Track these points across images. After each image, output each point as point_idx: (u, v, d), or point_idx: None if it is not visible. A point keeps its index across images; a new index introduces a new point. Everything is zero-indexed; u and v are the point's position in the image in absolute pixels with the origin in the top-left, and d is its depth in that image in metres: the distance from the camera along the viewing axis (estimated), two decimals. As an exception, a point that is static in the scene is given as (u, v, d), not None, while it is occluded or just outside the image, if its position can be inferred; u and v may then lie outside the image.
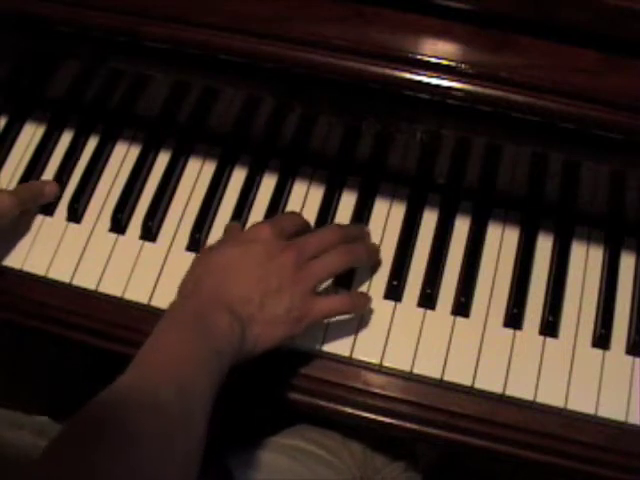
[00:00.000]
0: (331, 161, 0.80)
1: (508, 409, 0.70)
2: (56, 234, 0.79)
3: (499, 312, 0.73)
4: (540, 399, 0.69)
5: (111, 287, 0.76)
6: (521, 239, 0.76)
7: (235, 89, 0.73)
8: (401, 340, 0.72)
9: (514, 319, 0.72)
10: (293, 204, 0.79)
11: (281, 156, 0.81)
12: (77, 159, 0.83)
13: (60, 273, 0.77)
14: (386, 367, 0.71)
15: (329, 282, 0.73)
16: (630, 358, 0.70)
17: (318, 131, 0.76)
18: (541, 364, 0.70)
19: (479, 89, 0.63)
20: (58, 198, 0.81)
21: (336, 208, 0.79)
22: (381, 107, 0.69)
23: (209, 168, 0.82)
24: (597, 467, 0.68)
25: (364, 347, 0.72)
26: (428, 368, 0.71)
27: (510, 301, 0.73)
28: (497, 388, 0.70)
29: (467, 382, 0.70)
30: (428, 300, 0.73)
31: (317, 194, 0.80)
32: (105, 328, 0.75)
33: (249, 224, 0.78)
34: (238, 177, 0.81)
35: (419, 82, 0.64)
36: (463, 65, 0.64)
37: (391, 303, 0.74)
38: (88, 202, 0.81)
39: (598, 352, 0.71)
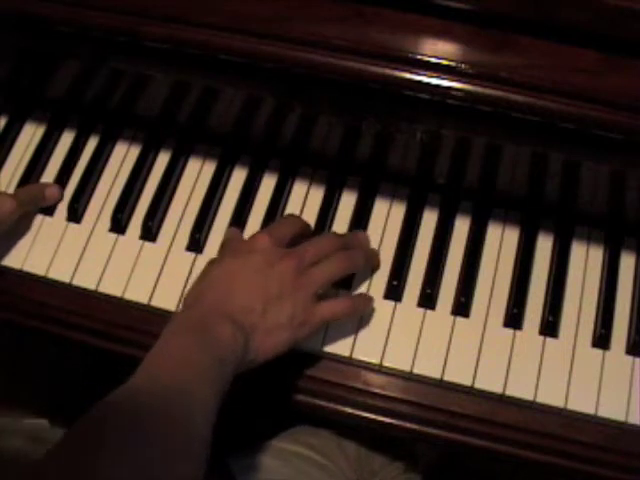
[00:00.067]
0: (331, 161, 0.80)
1: (508, 409, 0.70)
2: (56, 234, 0.79)
3: (499, 312, 0.73)
4: (540, 399, 0.69)
5: (111, 287, 0.76)
6: (521, 239, 0.76)
7: (235, 89, 0.73)
8: (401, 340, 0.72)
9: (514, 319, 0.72)
10: (293, 204, 0.79)
11: (281, 156, 0.81)
12: (77, 159, 0.83)
13: (60, 273, 0.77)
14: (386, 367, 0.71)
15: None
16: (630, 358, 0.70)
17: (318, 131, 0.76)
18: (541, 364, 0.70)
19: (479, 89, 0.63)
20: (58, 198, 0.81)
21: (336, 208, 0.79)
22: (381, 107, 0.69)
23: (209, 168, 0.82)
24: (597, 467, 0.68)
25: (364, 347, 0.72)
26: (428, 368, 0.71)
27: (510, 301, 0.73)
28: (497, 388, 0.70)
29: (467, 382, 0.70)
30: (428, 300, 0.73)
31: (317, 194, 0.80)
32: (105, 328, 0.75)
33: (249, 224, 0.79)
34: (238, 177, 0.81)
35: (419, 82, 0.64)
36: (463, 65, 0.64)
37: (391, 303, 0.74)
38: (88, 202, 0.81)
39: (598, 352, 0.71)
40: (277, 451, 0.78)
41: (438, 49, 0.64)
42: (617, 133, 0.63)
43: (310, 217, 0.78)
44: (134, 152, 0.83)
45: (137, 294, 0.75)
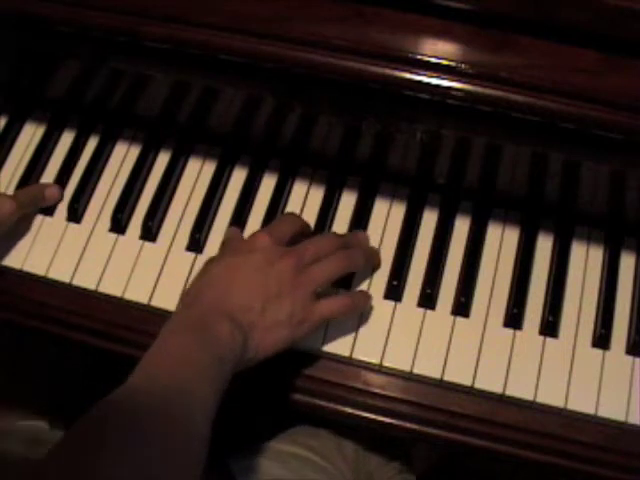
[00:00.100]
0: (331, 161, 0.80)
1: (508, 409, 0.70)
2: (56, 234, 0.79)
3: (499, 312, 0.73)
4: (540, 399, 0.69)
5: (111, 287, 0.76)
6: (521, 239, 0.76)
7: (235, 89, 0.73)
8: (401, 340, 0.72)
9: (514, 319, 0.72)
10: (293, 204, 0.79)
11: (281, 156, 0.81)
12: (77, 159, 0.83)
13: (60, 273, 0.77)
14: (386, 367, 0.71)
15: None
16: (630, 358, 0.70)
17: (318, 131, 0.76)
18: (541, 364, 0.70)
19: (479, 89, 0.63)
20: (58, 198, 0.81)
21: (336, 208, 0.79)
22: (381, 107, 0.69)
23: (209, 168, 0.82)
24: (597, 467, 0.68)
25: (364, 347, 0.72)
26: (428, 368, 0.71)
27: (510, 301, 0.73)
28: (497, 388, 0.70)
29: (467, 382, 0.70)
30: (428, 300, 0.73)
31: (317, 194, 0.80)
32: (105, 328, 0.75)
33: (249, 224, 0.79)
34: (238, 177, 0.81)
35: (419, 82, 0.64)
36: (463, 65, 0.64)
37: (391, 303, 0.74)
38: (88, 202, 0.81)
39: (598, 352, 0.71)
40: (276, 452, 0.78)
41: (438, 49, 0.64)
42: (617, 133, 0.63)
43: (310, 217, 0.78)
44: (134, 152, 0.83)
45: (137, 294, 0.75)
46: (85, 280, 0.76)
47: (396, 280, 0.74)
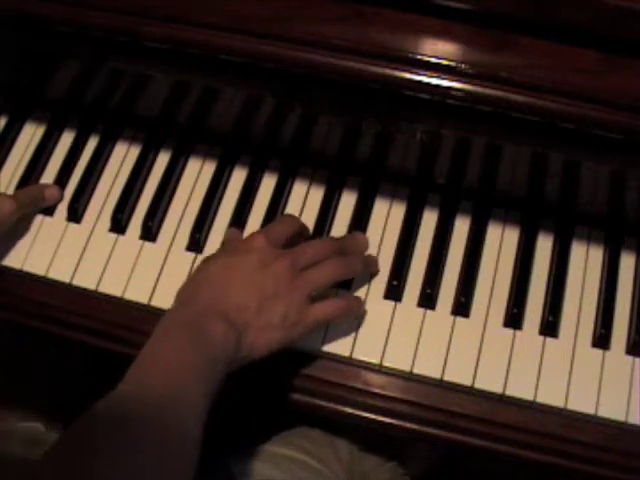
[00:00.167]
0: (331, 161, 0.80)
1: (508, 409, 0.70)
2: (56, 234, 0.79)
3: (499, 312, 0.73)
4: (540, 399, 0.69)
5: (111, 287, 0.76)
6: (521, 239, 0.76)
7: (235, 89, 0.73)
8: (401, 340, 0.72)
9: (514, 319, 0.72)
10: (293, 204, 0.79)
11: (281, 156, 0.81)
12: (77, 159, 0.83)
13: (60, 273, 0.77)
14: (386, 367, 0.71)
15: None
16: (630, 358, 0.70)
17: (318, 131, 0.76)
18: (541, 364, 0.70)
19: (479, 89, 0.63)
20: (58, 198, 0.81)
21: (336, 208, 0.79)
22: (381, 107, 0.69)
23: (209, 168, 0.82)
24: (597, 467, 0.68)
25: (364, 347, 0.72)
26: (428, 368, 0.71)
27: (510, 301, 0.73)
28: (497, 388, 0.70)
29: (467, 382, 0.70)
30: (428, 300, 0.73)
31: (317, 194, 0.80)
32: (105, 328, 0.75)
33: (249, 224, 0.79)
34: (238, 177, 0.81)
35: (419, 82, 0.64)
36: (463, 65, 0.64)
37: (391, 303, 0.74)
38: (88, 202, 0.81)
39: (598, 352, 0.71)
40: (271, 455, 0.78)
41: (438, 49, 0.64)
42: (617, 133, 0.63)
43: (310, 217, 0.78)
44: (134, 152, 0.83)
45: (137, 294, 0.75)
46: (85, 280, 0.76)
47: (396, 280, 0.74)
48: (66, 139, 0.85)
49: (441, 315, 0.73)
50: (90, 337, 0.75)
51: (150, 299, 0.75)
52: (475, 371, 0.70)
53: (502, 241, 0.76)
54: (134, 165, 0.82)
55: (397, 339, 0.72)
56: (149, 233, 0.78)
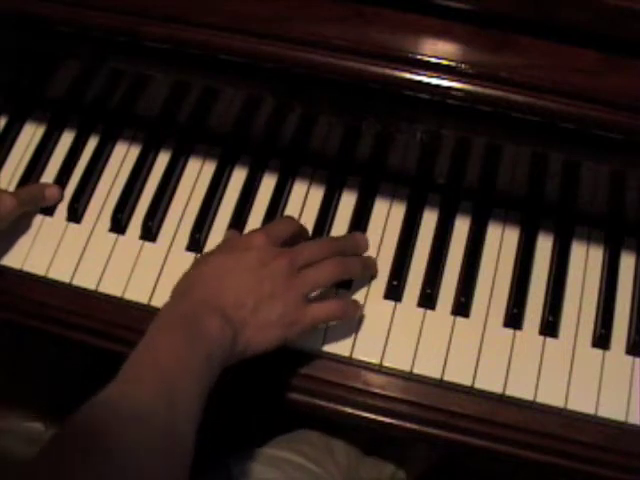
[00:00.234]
0: (331, 161, 0.80)
1: (508, 409, 0.70)
2: (56, 234, 0.79)
3: (499, 312, 0.73)
4: (540, 399, 0.69)
5: (111, 287, 0.76)
6: (521, 239, 0.76)
7: (235, 89, 0.73)
8: (401, 340, 0.72)
9: (514, 319, 0.72)
10: (293, 204, 0.79)
11: (281, 156, 0.81)
12: (77, 159, 0.83)
13: (60, 273, 0.77)
14: (386, 367, 0.71)
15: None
16: (630, 358, 0.70)
17: (318, 131, 0.76)
18: (541, 364, 0.70)
19: (479, 89, 0.63)
20: (58, 198, 0.81)
21: (336, 208, 0.79)
22: (381, 107, 0.69)
23: (209, 168, 0.82)
24: (597, 467, 0.68)
25: (364, 347, 0.72)
26: (428, 368, 0.71)
27: (510, 301, 0.73)
28: (497, 388, 0.70)
29: (467, 382, 0.70)
30: (428, 300, 0.73)
31: (317, 194, 0.80)
32: (105, 328, 0.75)
33: (249, 224, 0.79)
34: (238, 177, 0.81)
35: (419, 82, 0.64)
36: (463, 65, 0.64)
37: (391, 303, 0.74)
38: (88, 202, 0.81)
39: (598, 352, 0.71)
40: (269, 457, 0.78)
41: (438, 49, 0.64)
42: (617, 133, 0.63)
43: (310, 217, 0.78)
44: (134, 152, 0.83)
45: (137, 294, 0.75)
46: (85, 280, 0.76)
47: (396, 280, 0.74)
48: (66, 139, 0.85)
49: (441, 315, 0.73)
50: (90, 337, 0.75)
51: (150, 299, 0.75)
52: (475, 371, 0.70)
53: (502, 241, 0.76)
54: (134, 165, 0.82)
55: (397, 339, 0.72)
56: (149, 233, 0.78)
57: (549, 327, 0.72)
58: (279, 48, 0.66)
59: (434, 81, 0.64)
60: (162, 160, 0.82)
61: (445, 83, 0.64)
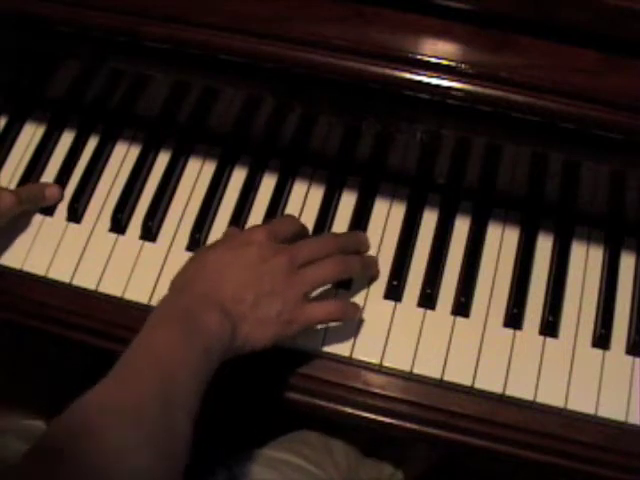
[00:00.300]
0: (331, 161, 0.80)
1: (508, 409, 0.70)
2: (56, 234, 0.79)
3: (499, 312, 0.73)
4: (540, 399, 0.69)
5: (111, 287, 0.76)
6: (521, 239, 0.76)
7: (235, 89, 0.73)
8: (401, 340, 0.72)
9: (514, 319, 0.72)
10: (293, 204, 0.79)
11: (281, 156, 0.81)
12: (77, 159, 0.83)
13: (60, 273, 0.77)
14: (386, 367, 0.71)
15: (329, 282, 0.73)
16: (630, 358, 0.70)
17: (318, 131, 0.76)
18: (541, 364, 0.70)
19: (479, 89, 0.63)
20: (58, 198, 0.81)
21: (336, 208, 0.79)
22: (381, 107, 0.69)
23: (209, 168, 0.82)
24: (597, 467, 0.68)
25: (364, 347, 0.72)
26: (428, 368, 0.71)
27: (510, 301, 0.73)
28: (497, 388, 0.70)
29: (467, 382, 0.70)
30: (428, 300, 0.73)
31: (317, 194, 0.80)
32: (105, 328, 0.75)
33: (249, 224, 0.79)
34: (238, 177, 0.81)
35: (419, 82, 0.64)
36: (463, 65, 0.64)
37: (391, 303, 0.74)
38: (88, 202, 0.81)
39: (598, 352, 0.71)
40: (268, 459, 0.78)
41: (438, 49, 0.64)
42: (617, 133, 0.63)
43: (310, 217, 0.78)
44: (134, 152, 0.83)
45: (137, 294, 0.75)
46: (85, 280, 0.76)
47: (396, 280, 0.74)
48: (66, 139, 0.85)
49: (441, 315, 0.73)
50: (90, 337, 0.75)
51: (150, 299, 0.75)
52: (475, 371, 0.70)
53: (502, 241, 0.76)
54: (134, 165, 0.82)
55: (397, 339, 0.72)
56: (149, 233, 0.78)
57: (549, 327, 0.72)
58: (279, 48, 0.66)
59: (434, 81, 0.64)
60: (162, 160, 0.82)
61: (445, 83, 0.64)
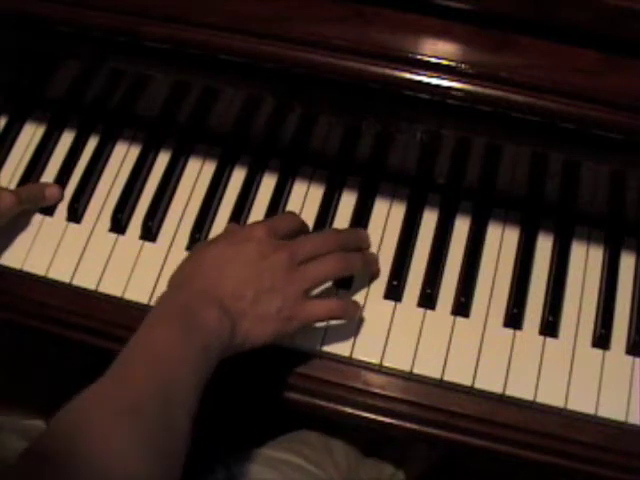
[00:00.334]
0: (331, 161, 0.80)
1: (508, 409, 0.70)
2: (56, 234, 0.79)
3: (499, 312, 0.73)
4: (540, 399, 0.69)
5: (111, 287, 0.76)
6: (521, 239, 0.76)
7: (235, 89, 0.73)
8: (401, 340, 0.72)
9: (514, 319, 0.72)
10: (293, 204, 0.79)
11: (281, 156, 0.81)
12: (77, 159, 0.83)
13: (60, 273, 0.77)
14: (386, 367, 0.71)
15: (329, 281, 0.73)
16: (630, 358, 0.70)
17: (318, 131, 0.76)
18: (541, 364, 0.70)
19: (479, 89, 0.63)
20: (58, 198, 0.81)
21: (336, 208, 0.79)
22: (381, 107, 0.69)
23: (209, 168, 0.82)
24: (597, 467, 0.68)
25: (364, 347, 0.72)
26: (428, 368, 0.71)
27: (510, 301, 0.73)
28: (497, 388, 0.70)
29: (467, 382, 0.70)
30: (428, 300, 0.73)
31: (317, 194, 0.80)
32: (105, 328, 0.75)
33: (249, 223, 0.79)
34: (238, 177, 0.81)
35: (419, 82, 0.64)
36: (463, 65, 0.64)
37: (391, 303, 0.74)
38: (88, 202, 0.81)
39: (598, 352, 0.71)
40: (268, 459, 0.78)
41: (438, 49, 0.64)
42: (617, 133, 0.63)
43: (310, 217, 0.78)
44: (134, 152, 0.83)
45: (137, 294, 0.75)
46: (85, 280, 0.76)
47: (396, 280, 0.74)
48: (66, 139, 0.85)
49: (441, 315, 0.73)
50: (90, 337, 0.75)
51: (150, 299, 0.75)
52: (475, 371, 0.70)
53: (502, 241, 0.76)
54: (134, 165, 0.82)
55: (397, 339, 0.72)
56: (149, 233, 0.78)
57: (549, 327, 0.72)
58: (279, 48, 0.66)
59: (434, 81, 0.64)
60: (162, 160, 0.82)
61: (445, 83, 0.64)
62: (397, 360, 0.71)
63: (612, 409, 0.68)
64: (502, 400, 0.70)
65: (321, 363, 0.72)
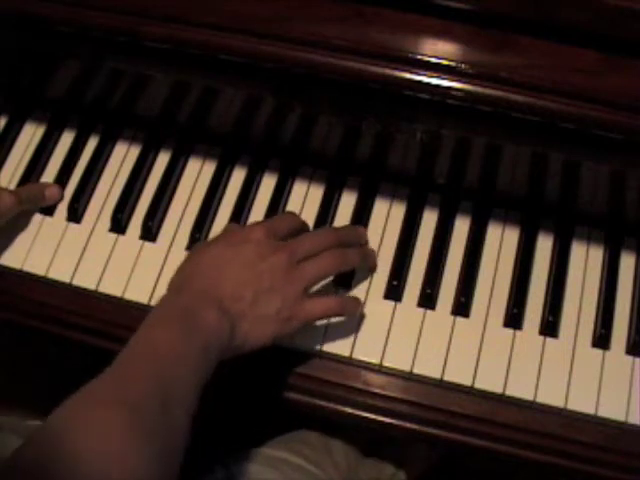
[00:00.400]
0: (331, 161, 0.80)
1: (508, 409, 0.70)
2: (56, 234, 0.79)
3: (499, 312, 0.73)
4: (540, 399, 0.69)
5: (111, 287, 0.76)
6: (521, 239, 0.76)
7: (235, 89, 0.73)
8: (401, 340, 0.72)
9: (514, 319, 0.72)
10: (293, 204, 0.79)
11: (281, 156, 0.81)
12: (77, 159, 0.83)
13: (60, 273, 0.77)
14: (386, 367, 0.71)
15: (328, 280, 0.73)
16: (630, 358, 0.70)
17: (318, 131, 0.76)
18: (541, 364, 0.70)
19: (479, 89, 0.63)
20: (58, 198, 0.81)
21: (336, 208, 0.79)
22: (381, 107, 0.69)
23: (209, 168, 0.82)
24: (597, 467, 0.68)
25: (364, 347, 0.72)
26: (428, 368, 0.71)
27: (510, 301, 0.73)
28: (497, 388, 0.70)
29: (467, 382, 0.70)
30: (428, 300, 0.73)
31: (317, 194, 0.80)
32: (105, 328, 0.75)
33: (249, 224, 0.79)
34: (238, 177, 0.81)
35: (419, 82, 0.64)
36: (463, 65, 0.64)
37: (391, 303, 0.74)
38: (88, 202, 0.81)
39: (598, 352, 0.71)
40: (267, 458, 0.78)
41: (438, 49, 0.64)
42: (617, 133, 0.63)
43: (310, 217, 0.78)
44: (134, 152, 0.83)
45: (137, 294, 0.75)
46: (85, 280, 0.76)
47: (396, 280, 0.74)
48: (66, 139, 0.85)
49: (441, 315, 0.73)
50: (90, 337, 0.75)
51: (150, 299, 0.75)
52: (475, 371, 0.70)
53: (502, 241, 0.76)
54: (134, 165, 0.82)
55: (397, 339, 0.72)
56: (149, 233, 0.78)
57: (549, 327, 0.72)
58: (279, 48, 0.66)
59: (434, 81, 0.64)
60: (162, 160, 0.82)
61: (445, 83, 0.64)
62: (397, 360, 0.71)
63: (612, 409, 0.68)
64: (502, 400, 0.70)
65: (321, 363, 0.72)
